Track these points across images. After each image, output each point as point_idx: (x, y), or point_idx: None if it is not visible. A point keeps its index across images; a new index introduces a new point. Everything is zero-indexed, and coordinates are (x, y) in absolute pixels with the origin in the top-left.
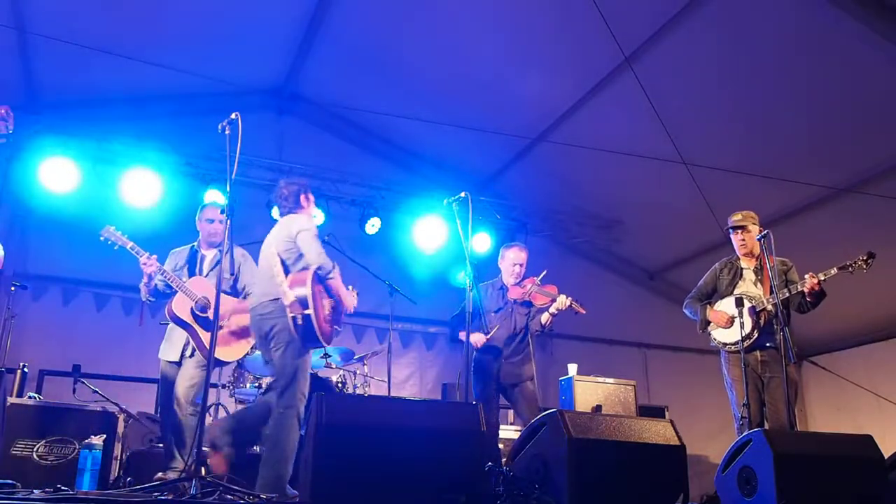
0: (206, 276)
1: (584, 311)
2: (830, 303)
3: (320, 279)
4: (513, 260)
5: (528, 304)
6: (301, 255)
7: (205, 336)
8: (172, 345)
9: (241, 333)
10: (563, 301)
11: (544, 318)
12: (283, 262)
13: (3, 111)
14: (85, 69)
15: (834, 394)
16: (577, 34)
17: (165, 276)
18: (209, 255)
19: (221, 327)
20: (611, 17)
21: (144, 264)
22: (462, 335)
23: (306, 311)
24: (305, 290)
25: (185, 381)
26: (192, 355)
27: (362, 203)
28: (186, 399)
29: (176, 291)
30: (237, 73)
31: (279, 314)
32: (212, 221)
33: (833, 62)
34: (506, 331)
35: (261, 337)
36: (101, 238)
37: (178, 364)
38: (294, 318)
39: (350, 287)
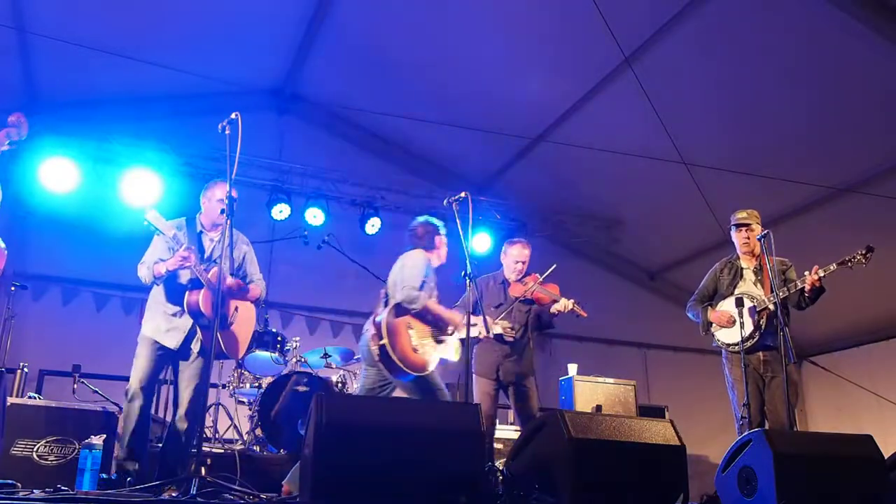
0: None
1: (584, 315)
2: (831, 302)
3: (404, 310)
4: (515, 257)
5: (530, 302)
6: None
7: (223, 335)
8: (175, 329)
9: (245, 328)
10: (565, 304)
11: (545, 317)
12: (385, 297)
13: (14, 118)
14: (85, 69)
15: (834, 394)
16: (577, 34)
17: (195, 271)
18: (215, 238)
19: (232, 323)
20: (611, 17)
21: (184, 258)
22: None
23: (381, 342)
24: (382, 322)
25: (190, 382)
26: (200, 351)
27: (362, 203)
28: (189, 400)
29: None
30: (237, 73)
31: (368, 345)
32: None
33: (833, 62)
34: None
35: (371, 365)
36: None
37: (176, 354)
38: (374, 350)
39: (497, 319)
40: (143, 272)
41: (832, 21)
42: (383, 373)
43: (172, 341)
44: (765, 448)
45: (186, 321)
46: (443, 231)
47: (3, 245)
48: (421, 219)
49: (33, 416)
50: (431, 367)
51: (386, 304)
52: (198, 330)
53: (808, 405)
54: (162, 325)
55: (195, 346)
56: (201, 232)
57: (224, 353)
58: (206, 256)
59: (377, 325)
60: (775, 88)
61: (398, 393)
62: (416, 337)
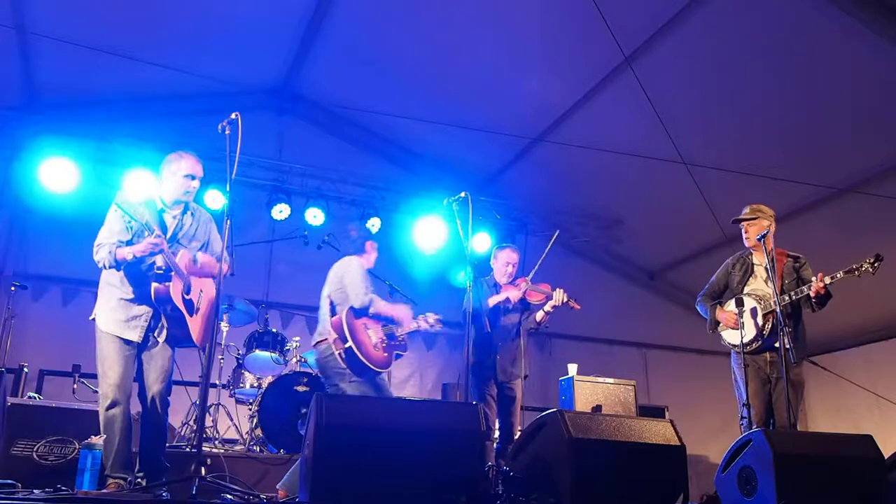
0: (184, 248)
1: (578, 308)
2: (831, 302)
3: (359, 313)
4: (505, 260)
5: (522, 303)
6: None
7: (192, 322)
8: (135, 318)
9: (211, 312)
10: (558, 297)
11: (539, 315)
12: (331, 304)
13: None
14: (85, 69)
15: (834, 394)
16: (577, 34)
17: (167, 257)
18: (177, 215)
19: (199, 308)
20: (611, 17)
21: (155, 244)
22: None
23: (346, 345)
24: (341, 327)
25: (159, 373)
26: (166, 340)
27: (362, 203)
28: (161, 394)
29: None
30: (237, 73)
31: (329, 352)
32: (193, 178)
33: (833, 62)
34: (500, 329)
35: (327, 376)
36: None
37: (141, 346)
38: (340, 354)
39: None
40: (103, 255)
41: (832, 21)
42: (340, 385)
43: (135, 334)
44: (765, 448)
45: (146, 308)
46: (372, 239)
47: None
48: (354, 223)
49: (33, 416)
50: (391, 363)
51: (333, 312)
52: (162, 318)
53: (808, 405)
54: (120, 314)
55: (160, 336)
56: (162, 210)
57: (190, 340)
58: (169, 236)
59: (338, 330)
60: (775, 88)
61: None
62: (374, 336)
